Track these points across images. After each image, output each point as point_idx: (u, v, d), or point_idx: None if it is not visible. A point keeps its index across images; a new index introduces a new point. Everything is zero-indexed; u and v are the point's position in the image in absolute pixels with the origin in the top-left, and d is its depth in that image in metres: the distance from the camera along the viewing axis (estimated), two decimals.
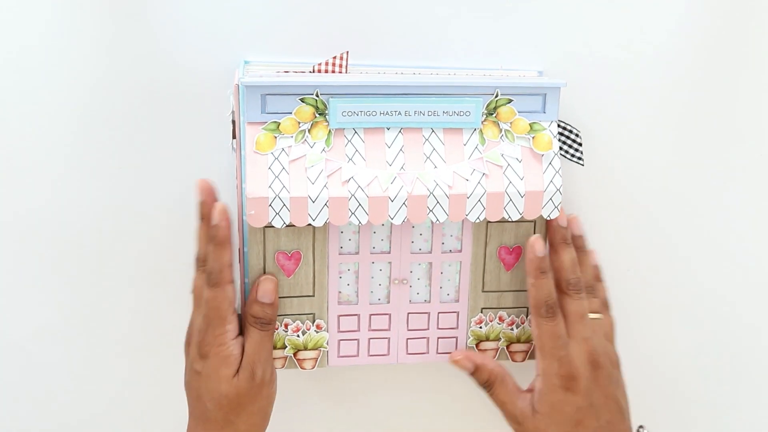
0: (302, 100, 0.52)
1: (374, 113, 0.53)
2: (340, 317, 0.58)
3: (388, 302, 0.59)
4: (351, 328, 0.59)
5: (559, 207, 0.55)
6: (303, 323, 0.58)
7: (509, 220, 0.55)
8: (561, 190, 0.55)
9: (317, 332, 0.58)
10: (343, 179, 0.52)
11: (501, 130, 0.55)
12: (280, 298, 0.56)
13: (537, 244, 0.56)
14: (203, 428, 0.55)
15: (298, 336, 0.58)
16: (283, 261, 0.56)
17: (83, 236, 0.62)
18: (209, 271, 0.54)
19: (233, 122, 0.55)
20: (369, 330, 0.59)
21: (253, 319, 0.55)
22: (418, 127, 0.54)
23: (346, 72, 0.56)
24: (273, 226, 0.53)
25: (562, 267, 0.57)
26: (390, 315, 0.59)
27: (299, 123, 0.53)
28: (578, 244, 0.59)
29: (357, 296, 0.58)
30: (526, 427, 0.56)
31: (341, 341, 0.59)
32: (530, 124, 0.55)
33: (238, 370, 0.54)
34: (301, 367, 0.59)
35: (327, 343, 0.59)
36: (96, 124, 0.60)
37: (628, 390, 0.59)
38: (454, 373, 0.60)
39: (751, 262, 0.68)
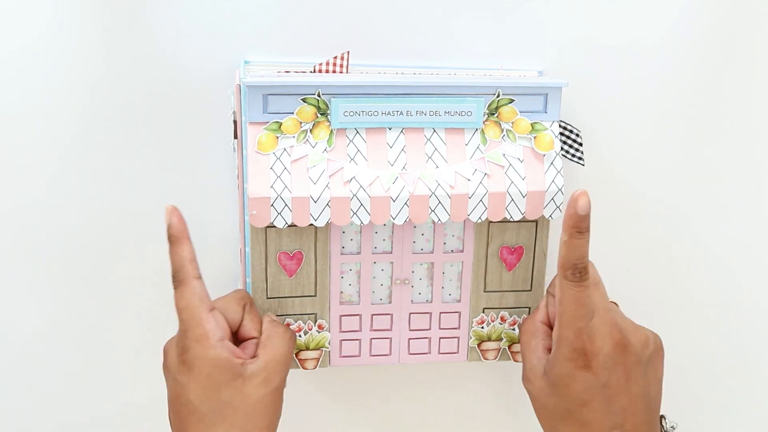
0: (304, 100, 0.52)
1: (376, 113, 0.53)
2: (342, 317, 0.58)
3: (390, 302, 0.59)
4: (353, 329, 0.59)
5: (561, 207, 0.55)
6: (305, 323, 0.58)
7: (511, 220, 0.55)
8: (563, 190, 0.55)
9: (319, 332, 0.58)
10: (344, 179, 0.52)
11: (502, 130, 0.55)
12: (281, 298, 0.56)
13: (581, 200, 0.49)
14: None
15: (299, 336, 0.58)
16: (285, 261, 0.56)
17: (83, 236, 0.62)
18: (171, 273, 0.50)
19: (234, 122, 0.55)
20: (371, 330, 0.59)
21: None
22: (420, 127, 0.54)
23: (346, 72, 0.56)
24: (275, 226, 0.53)
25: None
26: (392, 315, 0.59)
27: (301, 123, 0.53)
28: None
29: (359, 296, 0.58)
30: (530, 388, 0.53)
31: (343, 341, 0.59)
32: (532, 124, 0.55)
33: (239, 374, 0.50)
34: (303, 367, 0.59)
35: (329, 343, 0.59)
36: (96, 124, 0.59)
37: None
38: (456, 374, 0.60)
39: (751, 262, 0.68)
